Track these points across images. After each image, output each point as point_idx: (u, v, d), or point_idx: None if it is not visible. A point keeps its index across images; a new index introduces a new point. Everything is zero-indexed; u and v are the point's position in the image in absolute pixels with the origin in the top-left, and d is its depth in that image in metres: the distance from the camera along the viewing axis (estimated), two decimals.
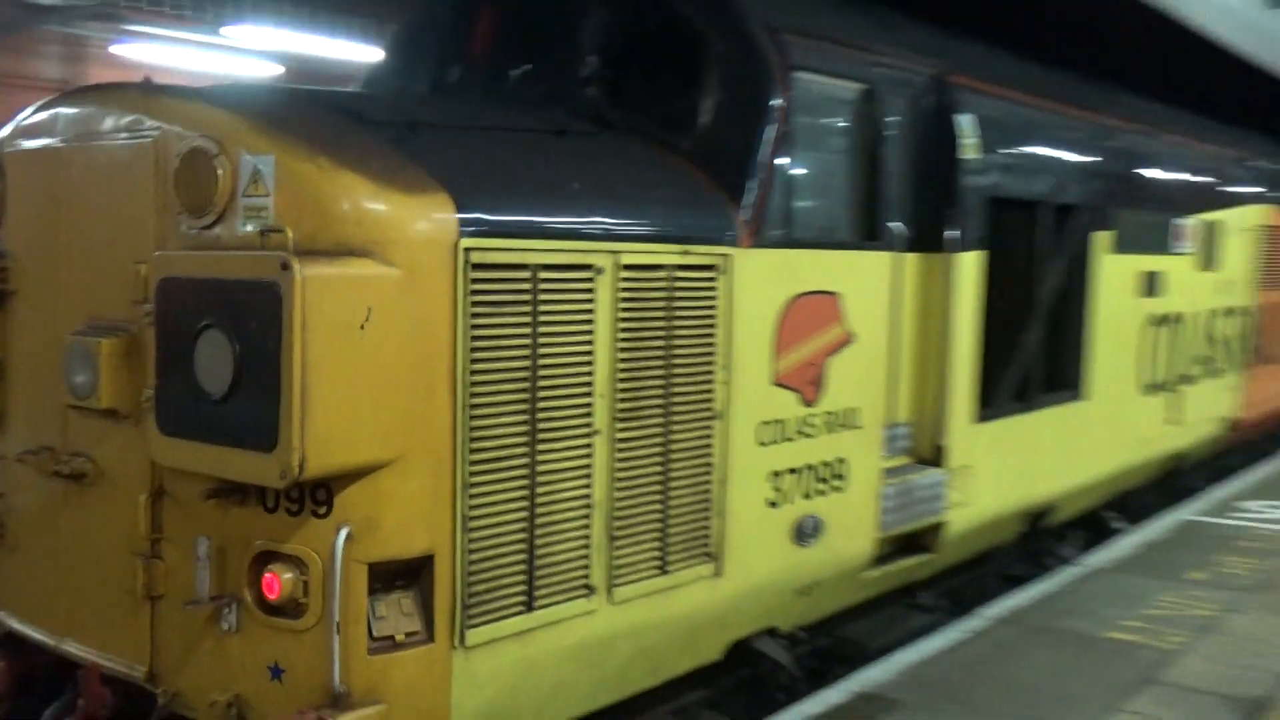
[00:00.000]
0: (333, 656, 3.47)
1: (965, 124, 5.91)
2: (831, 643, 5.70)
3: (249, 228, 3.57)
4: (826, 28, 5.34)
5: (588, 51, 5.19)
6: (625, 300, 4.17)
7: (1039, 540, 7.57)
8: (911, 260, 5.69)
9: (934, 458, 5.95)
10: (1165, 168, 8.54)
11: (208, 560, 3.65)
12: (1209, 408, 9.66)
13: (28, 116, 4.32)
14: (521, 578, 3.91)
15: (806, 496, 5.08)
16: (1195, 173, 9.14)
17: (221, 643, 3.70)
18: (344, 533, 3.49)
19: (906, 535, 5.85)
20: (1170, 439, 8.94)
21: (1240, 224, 9.96)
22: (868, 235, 5.43)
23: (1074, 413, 7.27)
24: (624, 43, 5.17)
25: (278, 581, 3.53)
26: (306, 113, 3.92)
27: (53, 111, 4.19)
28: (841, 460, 5.27)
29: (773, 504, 4.90)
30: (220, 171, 3.60)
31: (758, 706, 5.19)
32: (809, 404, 5.05)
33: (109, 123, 3.95)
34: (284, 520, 3.58)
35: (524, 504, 3.89)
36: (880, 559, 5.71)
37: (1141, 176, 8.10)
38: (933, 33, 6.43)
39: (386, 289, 3.49)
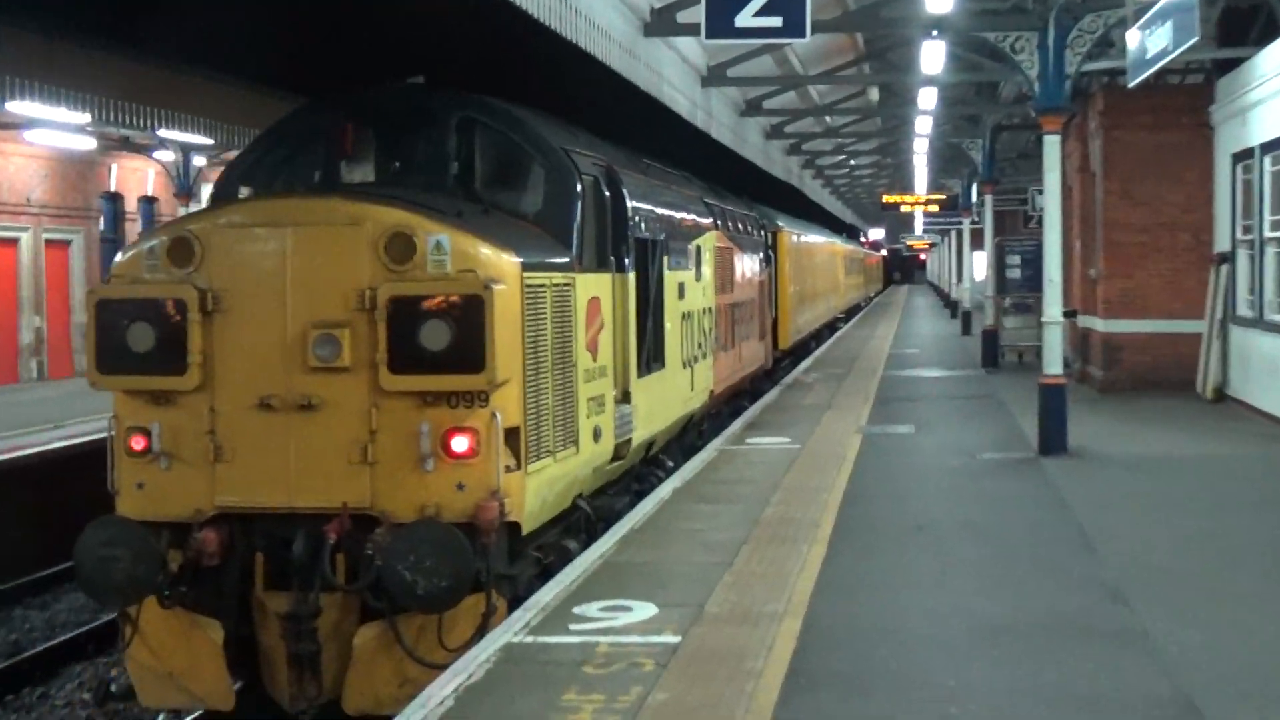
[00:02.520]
0: (497, 474, 8.15)
1: (629, 195, 11.57)
2: (596, 507, 10.99)
3: (434, 270, 8.12)
4: (580, 146, 10.70)
5: (453, 159, 10.04)
6: (553, 299, 9.21)
7: (646, 467, 13.44)
8: (614, 278, 11.21)
9: (623, 398, 11.50)
10: (679, 210, 14.85)
11: (427, 435, 8.09)
12: (703, 381, 16.24)
13: (235, 205, 8.29)
14: (535, 444, 8.80)
15: (596, 414, 10.37)
16: (689, 211, 15.56)
17: (424, 478, 8.13)
18: (499, 415, 8.19)
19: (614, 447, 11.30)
20: (692, 402, 15.33)
21: (708, 245, 16.70)
22: (602, 264, 10.86)
23: (664, 376, 13.24)
24: (480, 155, 10.10)
25: (469, 439, 8.11)
26: (426, 209, 8.46)
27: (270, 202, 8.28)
28: (603, 395, 10.63)
29: (587, 416, 10.12)
30: (417, 241, 8.11)
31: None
32: (594, 360, 10.36)
33: (331, 213, 8.20)
34: (462, 411, 8.16)
35: (535, 405, 8.79)
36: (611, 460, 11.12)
37: (675, 218, 14.35)
38: (589, 135, 12.03)
39: (507, 296, 8.28)
